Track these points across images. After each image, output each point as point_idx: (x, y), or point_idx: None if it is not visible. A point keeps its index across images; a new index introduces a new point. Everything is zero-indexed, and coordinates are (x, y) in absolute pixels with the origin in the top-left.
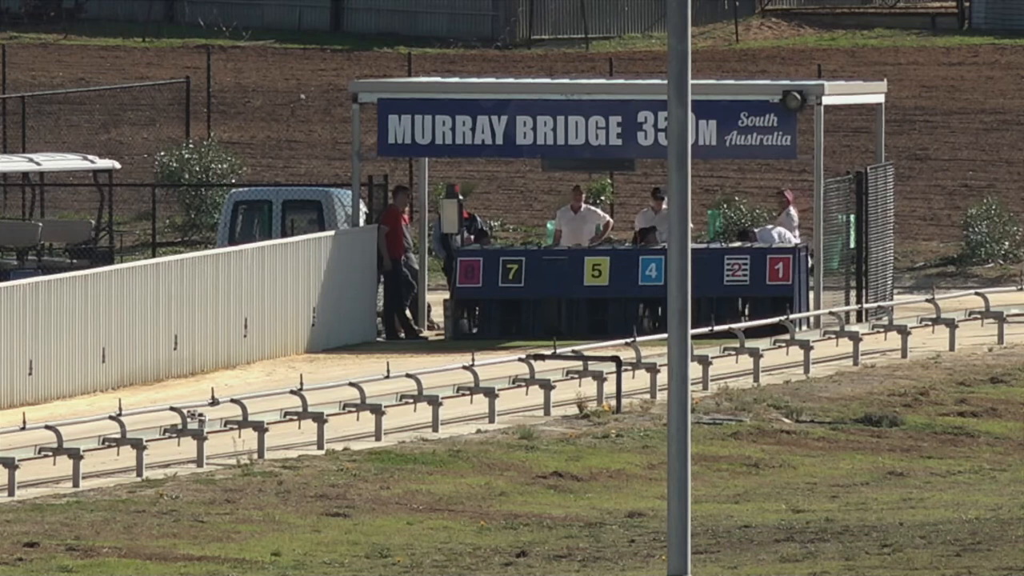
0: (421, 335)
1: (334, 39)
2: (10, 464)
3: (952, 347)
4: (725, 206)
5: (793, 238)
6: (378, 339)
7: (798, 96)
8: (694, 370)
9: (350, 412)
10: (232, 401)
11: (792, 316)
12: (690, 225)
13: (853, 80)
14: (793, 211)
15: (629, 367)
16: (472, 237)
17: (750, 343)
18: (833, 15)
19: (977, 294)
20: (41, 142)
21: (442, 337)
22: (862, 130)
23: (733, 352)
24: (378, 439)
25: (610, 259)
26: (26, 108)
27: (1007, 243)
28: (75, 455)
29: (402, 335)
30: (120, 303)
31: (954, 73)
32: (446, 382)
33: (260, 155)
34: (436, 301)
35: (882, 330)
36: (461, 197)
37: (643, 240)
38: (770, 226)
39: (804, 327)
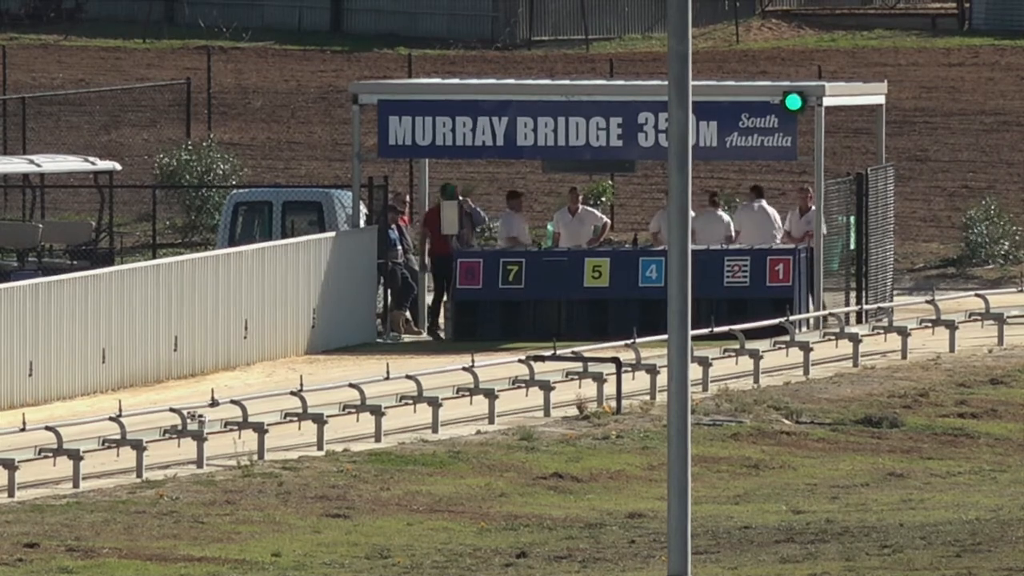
0: (421, 336)
1: (334, 40)
2: (10, 465)
3: (952, 348)
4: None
5: (777, 231)
6: (377, 340)
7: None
8: (694, 371)
9: (350, 413)
10: (232, 402)
11: (792, 317)
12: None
13: (853, 81)
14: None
15: (629, 368)
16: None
17: (750, 344)
18: (833, 16)
19: (977, 295)
20: (41, 143)
21: (442, 338)
22: (862, 131)
23: (733, 353)
24: (378, 440)
25: (610, 260)
26: (26, 109)
27: (1007, 244)
28: (75, 456)
29: (404, 336)
30: (120, 304)
31: (954, 74)
32: (446, 383)
33: (260, 156)
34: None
35: (882, 331)
36: (461, 197)
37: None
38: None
39: (804, 328)
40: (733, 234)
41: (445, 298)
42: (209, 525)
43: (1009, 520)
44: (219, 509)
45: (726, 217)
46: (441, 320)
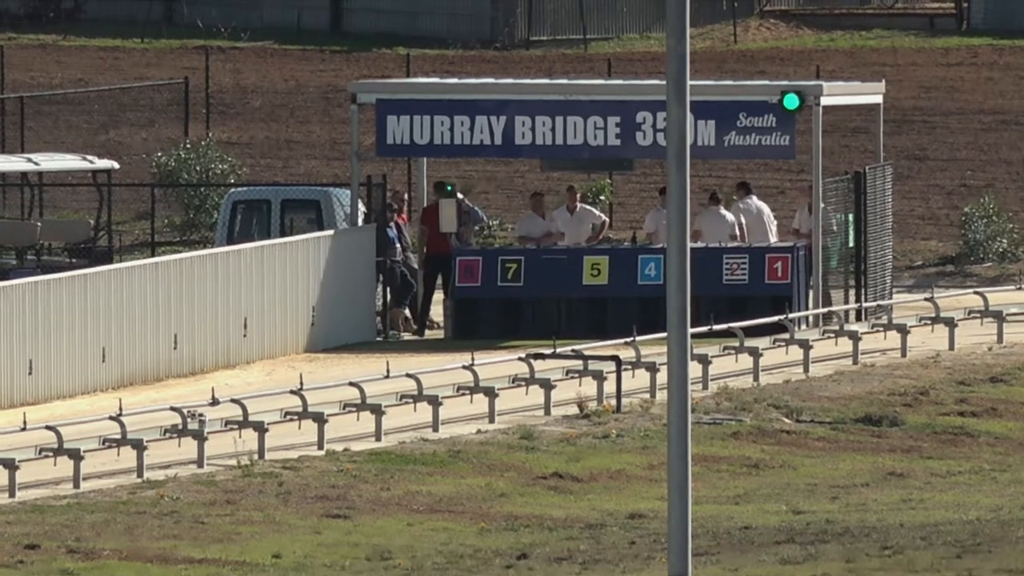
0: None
1: (333, 40)
2: (10, 465)
3: (952, 346)
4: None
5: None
6: (377, 338)
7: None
8: (694, 369)
9: (350, 412)
10: (232, 401)
11: (791, 315)
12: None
13: (852, 81)
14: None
15: (629, 366)
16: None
17: (749, 342)
18: (831, 16)
19: (976, 293)
20: (40, 142)
21: (441, 336)
22: (861, 130)
23: (733, 351)
24: (378, 439)
25: (609, 258)
26: (25, 109)
27: (1005, 242)
28: (75, 456)
29: (404, 334)
30: (120, 303)
31: (953, 74)
32: (446, 382)
33: (259, 155)
34: (434, 301)
35: (881, 329)
36: (460, 196)
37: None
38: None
39: (803, 326)
40: (738, 232)
41: (443, 296)
42: (210, 525)
43: (1009, 520)
44: (219, 509)
45: (730, 216)
46: (435, 319)
